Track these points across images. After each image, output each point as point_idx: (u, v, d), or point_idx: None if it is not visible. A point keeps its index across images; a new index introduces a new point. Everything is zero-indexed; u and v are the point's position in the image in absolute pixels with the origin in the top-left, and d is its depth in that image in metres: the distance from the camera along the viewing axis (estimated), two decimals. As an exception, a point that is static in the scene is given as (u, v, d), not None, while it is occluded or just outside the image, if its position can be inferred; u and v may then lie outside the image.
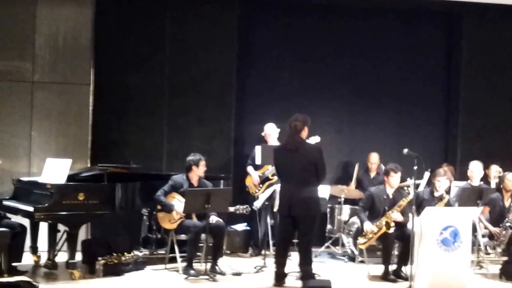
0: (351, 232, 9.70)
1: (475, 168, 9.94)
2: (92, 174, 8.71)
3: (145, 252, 9.79)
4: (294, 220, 8.02)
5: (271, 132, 10.10)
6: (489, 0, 11.23)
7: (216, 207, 8.49)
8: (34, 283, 7.42)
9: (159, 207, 8.83)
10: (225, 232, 9.11)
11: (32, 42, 10.03)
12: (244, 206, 8.87)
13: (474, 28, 11.63)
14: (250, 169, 10.10)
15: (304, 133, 8.12)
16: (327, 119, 11.28)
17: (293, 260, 8.61)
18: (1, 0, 9.96)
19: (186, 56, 10.77)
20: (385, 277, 8.54)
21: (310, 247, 8.12)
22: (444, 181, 8.80)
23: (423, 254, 8.04)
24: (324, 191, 9.88)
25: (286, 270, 8.15)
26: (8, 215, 8.64)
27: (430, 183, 9.18)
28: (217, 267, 8.59)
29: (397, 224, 8.58)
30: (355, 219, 9.62)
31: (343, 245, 10.04)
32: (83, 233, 9.29)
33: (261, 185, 9.93)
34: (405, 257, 8.37)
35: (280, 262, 8.09)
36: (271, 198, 9.23)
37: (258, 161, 9.82)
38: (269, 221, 9.86)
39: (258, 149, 9.80)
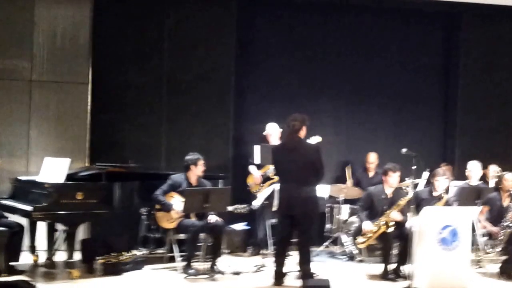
0: (350, 232, 9.69)
1: (474, 168, 9.95)
2: (91, 173, 8.70)
3: (144, 251, 9.77)
4: (293, 220, 8.01)
5: (273, 132, 10.08)
6: (488, 1, 11.24)
7: (215, 207, 8.47)
8: (32, 283, 7.41)
9: (158, 206, 8.82)
10: (224, 232, 9.08)
11: (30, 41, 10.01)
12: (243, 206, 8.88)
13: (472, 28, 11.64)
14: (252, 168, 10.08)
15: (302, 133, 8.12)
16: (326, 118, 11.29)
17: (292, 259, 8.60)
18: (-1, -1, 9.98)
19: (185, 55, 10.76)
20: (384, 276, 8.54)
21: (309, 246, 8.12)
22: (443, 180, 8.81)
23: (422, 254, 8.03)
24: (323, 190, 9.87)
25: (285, 269, 8.15)
26: (6, 214, 8.63)
27: (429, 182, 9.18)
28: (216, 267, 8.57)
29: (396, 223, 8.58)
30: (354, 218, 9.63)
31: (342, 244, 10.03)
32: (81, 233, 9.27)
33: (262, 184, 9.92)
34: (404, 256, 8.37)
35: (279, 261, 8.09)
36: (270, 198, 9.22)
37: (257, 160, 9.82)
38: (269, 220, 9.83)
39: (257, 149, 9.79)
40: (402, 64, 11.70)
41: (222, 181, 9.89)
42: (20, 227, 8.49)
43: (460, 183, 10.05)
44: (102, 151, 10.20)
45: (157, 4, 10.70)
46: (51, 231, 8.39)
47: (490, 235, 9.09)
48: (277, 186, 8.47)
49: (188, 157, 8.93)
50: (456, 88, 11.72)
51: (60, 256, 8.51)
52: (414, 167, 7.98)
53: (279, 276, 8.08)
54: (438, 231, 8.09)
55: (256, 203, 9.27)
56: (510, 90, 11.76)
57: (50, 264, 8.39)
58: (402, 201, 8.66)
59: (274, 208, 8.81)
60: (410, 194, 8.47)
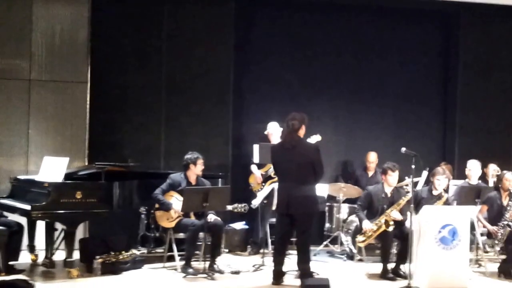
0: (349, 231, 9.69)
1: (473, 167, 9.93)
2: (90, 172, 8.70)
3: (143, 250, 9.79)
4: (292, 219, 8.00)
5: (274, 131, 10.06)
6: (487, 0, 11.23)
7: (214, 206, 8.47)
8: (31, 282, 7.40)
9: (157, 205, 8.81)
10: (223, 231, 9.10)
11: (29, 41, 10.01)
12: (242, 205, 8.86)
13: (471, 27, 11.65)
14: (253, 167, 10.08)
15: (302, 132, 8.10)
16: (325, 118, 11.30)
17: (292, 258, 8.60)
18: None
19: (184, 54, 10.76)
20: (383, 275, 8.53)
21: (308, 245, 8.11)
22: (443, 179, 8.80)
23: (421, 253, 8.04)
24: (322, 189, 9.86)
25: (284, 268, 8.13)
26: (5, 213, 8.64)
27: (428, 181, 9.17)
28: (215, 266, 8.57)
29: (396, 222, 8.57)
30: (353, 217, 9.61)
31: (341, 243, 10.03)
32: (80, 232, 9.27)
33: (263, 184, 9.91)
34: (404, 255, 8.37)
35: (279, 260, 8.08)
36: (269, 197, 9.20)
37: (256, 159, 9.81)
38: (268, 219, 9.83)
39: (256, 148, 9.79)
40: (401, 63, 11.70)
41: (221, 180, 9.87)
42: (19, 226, 8.49)
43: (460, 182, 10.04)
44: (101, 150, 10.20)
45: (155, 4, 10.70)
46: (50, 230, 8.40)
47: (489, 234, 9.08)
48: (276, 185, 8.46)
49: (187, 156, 8.92)
50: (455, 87, 11.72)
51: (59, 255, 8.50)
52: (413, 166, 7.96)
53: (279, 275, 8.06)
54: (437, 230, 8.09)
55: (256, 202, 9.26)
56: (509, 89, 11.77)
57: (49, 263, 8.39)
58: (402, 200, 8.65)
59: (274, 207, 8.80)
60: (410, 193, 8.45)
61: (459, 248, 8.13)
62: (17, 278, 7.62)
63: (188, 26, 10.78)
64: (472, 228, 8.79)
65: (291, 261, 8.51)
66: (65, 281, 7.98)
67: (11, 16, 10.00)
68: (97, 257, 8.40)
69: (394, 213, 8.61)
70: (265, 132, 10.19)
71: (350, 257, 9.60)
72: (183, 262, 8.57)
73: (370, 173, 10.80)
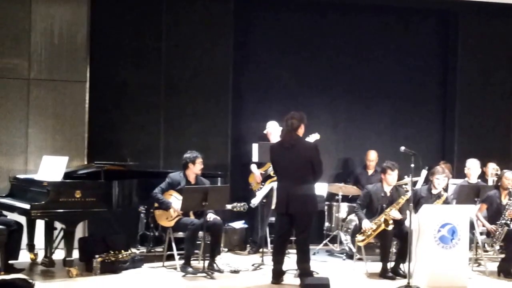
0: (349, 230, 9.69)
1: (473, 166, 9.95)
2: (89, 171, 8.69)
3: (143, 249, 9.80)
4: (291, 218, 7.99)
5: (273, 130, 10.06)
6: (485, -1, 11.28)
7: (213, 205, 8.47)
8: (30, 281, 7.39)
9: (156, 204, 8.81)
10: (222, 230, 9.09)
11: (28, 40, 9.99)
12: (242, 204, 8.87)
13: (470, 26, 11.66)
14: (253, 167, 10.09)
15: (301, 131, 8.09)
16: (324, 116, 11.29)
17: (291, 257, 8.60)
18: (-4, -3, 9.96)
19: (182, 53, 10.75)
20: (383, 274, 8.53)
21: (308, 244, 8.09)
22: (443, 178, 8.80)
23: (421, 252, 8.04)
24: (321, 188, 9.86)
25: (284, 267, 8.13)
26: (5, 212, 8.64)
27: (427, 180, 9.17)
28: (214, 265, 8.57)
29: (395, 221, 8.57)
30: (353, 216, 9.61)
31: (341, 242, 10.03)
32: (80, 231, 9.28)
33: (263, 183, 9.91)
34: (403, 254, 8.38)
35: (278, 259, 8.07)
36: (269, 196, 9.20)
37: (255, 158, 9.81)
38: (268, 218, 9.82)
39: (255, 147, 9.79)
40: (400, 62, 11.69)
41: (220, 179, 9.86)
42: (19, 225, 8.48)
43: (459, 181, 10.05)
44: (100, 149, 10.19)
45: (154, 3, 10.69)
46: (50, 229, 8.39)
47: (488, 233, 9.08)
48: (275, 184, 8.46)
49: (186, 155, 8.91)
50: (454, 86, 11.72)
51: (59, 255, 8.49)
52: (412, 165, 7.95)
53: (278, 274, 8.06)
54: (437, 229, 8.09)
55: (255, 202, 9.25)
56: (508, 87, 11.77)
57: (49, 262, 8.38)
58: (401, 199, 8.65)
59: (273, 207, 8.80)
60: (409, 192, 8.45)
61: (459, 247, 8.14)
62: (17, 277, 7.61)
63: (187, 25, 10.77)
64: (472, 227, 8.79)
65: (290, 260, 8.51)
66: (64, 280, 7.98)
67: (10, 16, 9.99)
68: (97, 256, 8.39)
69: (393, 212, 8.61)
70: (264, 131, 10.19)
71: (350, 256, 9.59)
72: (182, 261, 8.58)
73: (370, 172, 10.79)
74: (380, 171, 9.22)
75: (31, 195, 8.34)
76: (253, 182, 10.10)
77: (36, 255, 8.88)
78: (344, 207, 10.18)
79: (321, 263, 9.34)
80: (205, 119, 10.76)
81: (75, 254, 8.41)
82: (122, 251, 8.68)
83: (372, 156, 10.78)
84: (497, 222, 8.90)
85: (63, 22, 10.09)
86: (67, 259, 8.10)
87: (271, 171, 9.75)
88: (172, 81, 10.72)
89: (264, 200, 9.30)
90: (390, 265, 8.61)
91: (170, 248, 8.81)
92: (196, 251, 8.94)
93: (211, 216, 8.65)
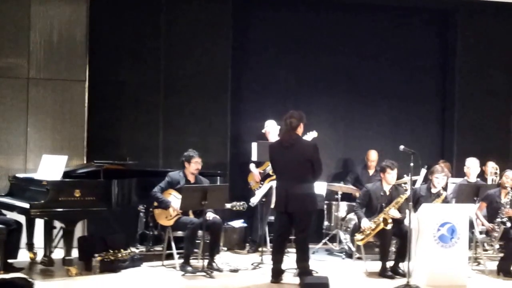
0: (348, 229, 9.69)
1: (472, 165, 9.95)
2: (88, 170, 8.66)
3: (142, 248, 9.78)
4: (291, 217, 7.98)
5: (272, 129, 10.07)
6: (483, -3, 11.29)
7: (212, 204, 8.47)
8: (30, 280, 7.36)
9: (155, 203, 8.81)
10: (222, 229, 9.10)
11: (27, 39, 9.99)
12: (241, 203, 8.88)
13: (468, 25, 11.65)
14: (251, 166, 10.09)
15: (300, 130, 8.09)
16: (323, 116, 11.29)
17: (291, 256, 8.60)
18: (-5, -3, 9.96)
19: (181, 53, 10.75)
20: (382, 273, 8.53)
21: (307, 243, 8.09)
22: (442, 177, 8.80)
23: (420, 251, 8.04)
24: (320, 187, 9.86)
25: (283, 266, 8.13)
26: (4, 211, 8.64)
27: (427, 179, 9.17)
28: (214, 264, 8.56)
29: (395, 220, 8.57)
30: (352, 215, 9.62)
31: (340, 241, 10.03)
32: (79, 230, 9.27)
33: (262, 182, 9.92)
34: (403, 253, 8.38)
35: (277, 258, 8.07)
36: (268, 195, 9.19)
37: (254, 157, 9.81)
38: (267, 217, 9.82)
39: (254, 146, 9.78)
40: (399, 61, 11.69)
41: (220, 178, 9.86)
42: (18, 224, 8.49)
43: (459, 180, 10.06)
44: (99, 148, 10.19)
45: (153, 3, 10.70)
46: (49, 228, 8.39)
47: (487, 232, 9.08)
48: (275, 183, 8.46)
49: (184, 154, 8.93)
50: (453, 84, 11.72)
51: (58, 254, 8.49)
52: (412, 164, 7.95)
53: (277, 273, 8.06)
54: (436, 228, 8.10)
55: (254, 201, 9.26)
56: (507, 86, 11.77)
57: (48, 261, 8.39)
58: (401, 198, 8.66)
59: (272, 206, 8.80)
60: (408, 191, 8.45)
61: (458, 246, 8.15)
62: (17, 276, 7.59)
63: (186, 25, 10.77)
64: (471, 226, 8.79)
65: (290, 259, 8.51)
66: (64, 279, 7.98)
67: (9, 15, 9.98)
68: (96, 255, 8.40)
69: (392, 211, 8.61)
70: (263, 131, 10.20)
71: (349, 255, 9.60)
72: (181, 260, 8.58)
73: (371, 172, 10.78)
74: (379, 170, 9.23)
75: (31, 194, 8.34)
76: (252, 181, 10.10)
77: (35, 254, 8.88)
78: (343, 206, 10.18)
79: (320, 262, 9.33)
80: (204, 118, 10.76)
81: (75, 253, 8.41)
82: (122, 250, 8.67)
83: (373, 156, 10.77)
84: (495, 221, 8.91)
85: (62, 22, 10.09)
86: (67, 258, 8.09)
87: (269, 170, 9.76)
88: (171, 80, 10.72)
89: (264, 199, 9.30)
90: (390, 264, 8.62)
91: (169, 247, 8.80)
92: (195, 250, 8.93)
93: (210, 215, 8.65)
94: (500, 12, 11.55)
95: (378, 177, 9.63)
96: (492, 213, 9.04)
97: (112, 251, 8.56)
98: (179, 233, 8.81)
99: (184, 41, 10.78)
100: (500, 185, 9.13)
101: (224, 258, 9.29)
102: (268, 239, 9.79)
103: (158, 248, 9.60)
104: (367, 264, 8.85)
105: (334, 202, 10.23)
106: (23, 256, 8.74)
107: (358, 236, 8.73)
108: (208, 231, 8.58)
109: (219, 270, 8.52)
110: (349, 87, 11.52)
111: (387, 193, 8.83)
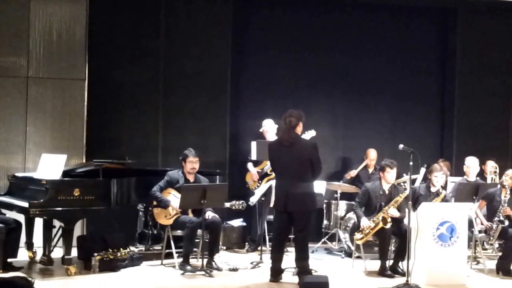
0: (347, 228, 9.69)
1: (471, 164, 9.95)
2: (88, 169, 8.67)
3: (141, 248, 9.79)
4: (290, 216, 7.98)
5: (269, 128, 10.08)
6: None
7: (212, 203, 8.47)
8: (30, 279, 7.36)
9: (155, 202, 8.81)
10: (221, 228, 9.10)
11: (26, 38, 9.99)
12: (240, 202, 8.88)
13: (468, 24, 11.65)
14: (249, 165, 10.09)
15: (299, 129, 8.08)
16: (323, 115, 11.29)
17: (290, 255, 8.59)
18: (-6, -4, 9.96)
19: (180, 52, 10.75)
20: (382, 272, 8.53)
21: (307, 242, 8.08)
22: (441, 176, 8.80)
23: (419, 250, 8.02)
24: (320, 186, 9.86)
25: (282, 265, 8.13)
26: (3, 211, 8.64)
27: (426, 178, 9.17)
28: (213, 263, 8.56)
29: (394, 219, 8.57)
30: (351, 214, 9.62)
31: (339, 240, 10.02)
32: (78, 229, 9.27)
33: (260, 181, 9.92)
34: (402, 252, 8.38)
35: (277, 257, 8.07)
36: (267, 194, 9.19)
37: (253, 156, 9.81)
38: (266, 216, 9.83)
39: (253, 145, 9.78)
40: (398, 60, 11.68)
41: (219, 177, 9.86)
42: (17, 223, 8.48)
43: (458, 179, 10.05)
44: (98, 147, 10.20)
45: (153, 1, 10.69)
46: (48, 227, 8.37)
47: (486, 231, 9.08)
48: (274, 183, 8.46)
49: (183, 152, 8.94)
50: (452, 83, 11.72)
51: (57, 253, 8.47)
52: (411, 163, 7.94)
53: (277, 272, 8.06)
54: (435, 227, 8.11)
55: (253, 200, 9.26)
56: (507, 85, 11.77)
57: (47, 260, 8.36)
58: (400, 197, 8.65)
59: (271, 205, 8.79)
60: (408, 190, 8.45)
61: (457, 245, 8.16)
62: (16, 275, 7.59)
63: (185, 23, 10.77)
64: (471, 225, 8.80)
65: (289, 258, 8.51)
66: (63, 278, 7.98)
67: (9, 14, 9.98)
68: (95, 254, 8.38)
69: (391, 210, 8.61)
70: (260, 130, 10.20)
71: (348, 254, 9.59)
72: (181, 259, 8.57)
73: (371, 170, 10.77)
74: (379, 169, 9.23)
75: (30, 193, 8.33)
76: (250, 181, 10.10)
77: (34, 253, 8.87)
78: (342, 205, 10.17)
79: (319, 261, 9.34)
80: (203, 118, 10.76)
81: (74, 252, 8.39)
82: (121, 249, 8.65)
83: (373, 154, 10.75)
84: (493, 220, 8.91)
85: (61, 20, 10.08)
86: (66, 257, 8.08)
87: (267, 169, 9.77)
88: (171, 79, 10.72)
89: (263, 198, 9.30)
90: (389, 263, 8.61)
91: (168, 246, 8.80)
92: (194, 249, 8.92)
93: (209, 214, 8.65)
94: (500, 11, 11.55)
95: (378, 175, 9.63)
96: (492, 211, 9.05)
97: (111, 250, 8.54)
98: (179, 232, 8.81)
99: (184, 41, 10.78)
100: (501, 184, 9.13)
101: (223, 257, 9.29)
102: (267, 238, 9.79)
103: (158, 247, 9.61)
104: (367, 263, 8.85)
105: (333, 201, 10.23)
106: (23, 255, 8.73)
107: (358, 235, 8.73)
108: (208, 230, 8.59)
109: (218, 269, 8.52)
110: (349, 87, 11.51)
111: (387, 192, 8.83)
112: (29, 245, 8.88)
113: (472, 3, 11.44)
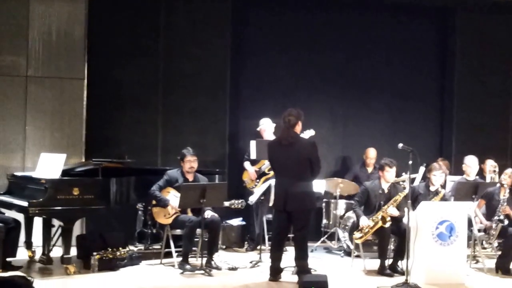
0: (347, 227, 9.69)
1: (471, 163, 9.94)
2: (87, 168, 8.66)
3: (140, 247, 9.79)
4: (289, 215, 7.98)
5: (267, 127, 10.08)
6: (482, -5, 11.28)
7: (211, 202, 8.47)
8: (29, 278, 7.37)
9: (154, 202, 8.80)
10: (220, 227, 9.10)
11: (26, 37, 9.98)
12: (239, 201, 8.87)
13: (467, 23, 11.66)
14: (246, 164, 10.08)
15: (298, 128, 8.08)
16: (322, 113, 11.29)
17: (289, 254, 8.60)
18: (-6, -5, 9.96)
19: (180, 51, 10.75)
20: (381, 271, 8.53)
21: (306, 241, 8.09)
22: (440, 175, 8.80)
23: (419, 249, 8.04)
24: (319, 185, 9.86)
25: (281, 264, 8.14)
26: (2, 210, 8.63)
27: (425, 177, 9.17)
28: (212, 262, 8.56)
29: (393, 218, 8.57)
30: (350, 213, 9.62)
31: (339, 239, 10.01)
32: (78, 228, 9.27)
33: (258, 180, 9.91)
34: (401, 251, 8.39)
35: (276, 256, 8.08)
36: (267, 193, 9.19)
37: (253, 155, 9.80)
38: (265, 215, 9.83)
39: (252, 144, 9.78)
40: (397, 59, 11.68)
41: (218, 176, 9.86)
42: (17, 222, 8.47)
43: (457, 178, 10.05)
44: (98, 146, 10.20)
45: (152, 1, 10.69)
46: (48, 226, 8.37)
47: (485, 230, 9.08)
48: (273, 182, 8.46)
49: (181, 152, 8.94)
50: (451, 82, 11.73)
51: (57, 252, 8.47)
52: (410, 162, 7.94)
53: (276, 271, 8.07)
54: (434, 226, 8.11)
55: (253, 199, 9.25)
56: (506, 84, 11.77)
57: (47, 259, 8.36)
58: (399, 196, 8.65)
59: (271, 204, 8.79)
60: (407, 189, 8.45)
61: (457, 244, 8.16)
62: (15, 275, 7.60)
63: (184, 22, 10.77)
64: (470, 224, 8.80)
65: (288, 257, 8.51)
66: (62, 278, 7.98)
67: (8, 13, 9.97)
68: (94, 253, 8.38)
69: (390, 209, 8.61)
70: (258, 129, 10.20)
71: (348, 253, 9.59)
72: (180, 259, 8.56)
73: (370, 169, 10.77)
74: (378, 168, 9.22)
75: (29, 193, 8.33)
76: (247, 180, 10.08)
77: (34, 252, 8.87)
78: (342, 204, 10.16)
79: (319, 260, 9.36)
80: (202, 117, 10.77)
81: (73, 251, 8.39)
82: (120, 248, 8.65)
83: (372, 153, 10.75)
84: (492, 219, 8.91)
85: (61, 20, 10.08)
86: (65, 256, 8.09)
87: (265, 168, 9.77)
88: (170, 78, 10.72)
89: (262, 198, 9.30)
90: (388, 262, 8.61)
91: (168, 245, 8.81)
92: (194, 248, 8.92)
93: (209, 213, 8.65)
94: (500, 11, 11.55)
95: (377, 174, 9.63)
96: (491, 210, 9.05)
97: (110, 249, 8.54)
98: (178, 231, 8.80)
99: (183, 40, 10.78)
100: (500, 183, 9.13)
101: (222, 256, 9.29)
102: (266, 237, 9.79)
103: (157, 246, 9.61)
104: (366, 262, 8.85)
105: (332, 200, 10.22)
106: (22, 254, 8.73)
107: (357, 234, 8.73)
108: (207, 229, 8.60)
109: (217, 268, 8.52)
110: (348, 86, 11.51)
111: (386, 191, 8.83)
112: (29, 244, 8.87)
113: (471, 3, 11.43)
